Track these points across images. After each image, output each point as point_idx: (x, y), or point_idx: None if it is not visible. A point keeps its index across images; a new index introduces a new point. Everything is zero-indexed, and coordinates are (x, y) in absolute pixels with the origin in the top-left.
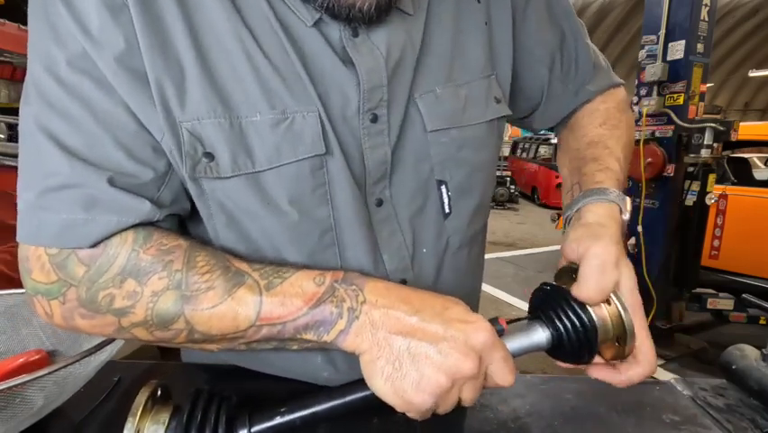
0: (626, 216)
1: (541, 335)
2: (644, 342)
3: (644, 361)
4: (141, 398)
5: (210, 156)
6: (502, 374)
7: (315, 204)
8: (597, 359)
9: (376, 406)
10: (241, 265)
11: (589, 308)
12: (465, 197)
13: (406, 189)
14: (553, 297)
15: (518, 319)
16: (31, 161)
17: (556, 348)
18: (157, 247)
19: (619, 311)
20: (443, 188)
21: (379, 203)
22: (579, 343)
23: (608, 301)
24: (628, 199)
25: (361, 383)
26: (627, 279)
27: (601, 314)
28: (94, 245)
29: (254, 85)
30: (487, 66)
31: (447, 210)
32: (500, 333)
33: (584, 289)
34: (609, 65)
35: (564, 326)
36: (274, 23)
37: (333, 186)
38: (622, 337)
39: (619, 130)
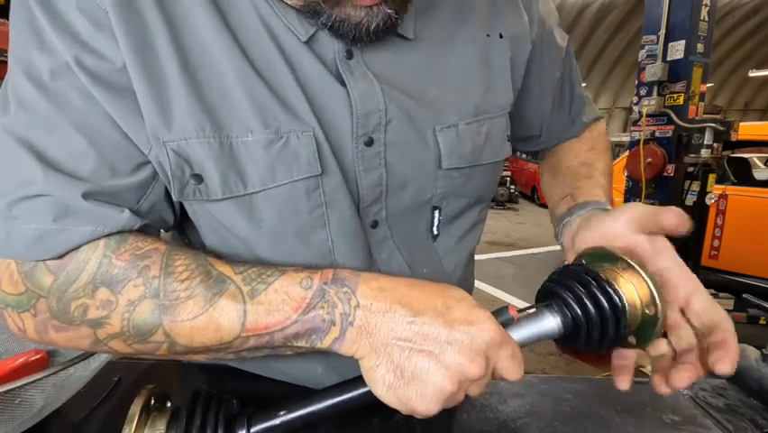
0: None
1: (551, 322)
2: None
3: (728, 347)
4: (135, 408)
5: (198, 178)
6: (511, 370)
7: (313, 227)
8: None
9: (378, 403)
10: (223, 268)
11: (616, 286)
12: (454, 222)
13: (401, 212)
14: (574, 277)
15: (530, 307)
16: (1, 169)
17: (571, 336)
18: (131, 252)
19: (648, 285)
20: (436, 213)
21: (375, 224)
22: (602, 326)
23: (633, 278)
24: None
25: (361, 380)
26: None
27: (629, 291)
28: (64, 254)
29: (246, 103)
30: (508, 102)
31: (435, 232)
32: (509, 322)
33: (671, 213)
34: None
35: (585, 308)
36: (267, 39)
37: (330, 208)
38: (651, 326)
39: (605, 155)
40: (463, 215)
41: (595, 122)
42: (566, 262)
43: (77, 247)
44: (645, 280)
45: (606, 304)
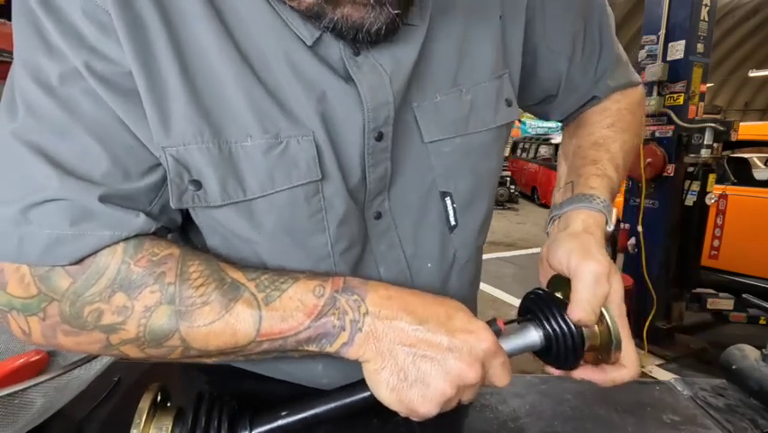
0: (610, 228)
1: (534, 335)
2: (627, 349)
3: (629, 365)
4: (144, 405)
5: (197, 184)
6: (500, 377)
7: (312, 232)
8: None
9: (377, 406)
10: (236, 275)
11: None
12: (472, 208)
13: (406, 202)
14: (546, 303)
15: (515, 320)
16: (9, 174)
17: (547, 350)
18: (148, 258)
19: (609, 328)
20: (448, 200)
21: (378, 216)
22: (566, 350)
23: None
24: (615, 210)
25: (362, 384)
26: (616, 291)
27: (591, 331)
28: (82, 259)
29: (245, 108)
30: (499, 64)
31: (453, 222)
32: (498, 333)
33: (578, 310)
34: (629, 61)
35: (555, 332)
36: (269, 44)
37: (329, 212)
38: (607, 350)
39: (627, 134)
40: (477, 200)
41: (626, 88)
42: (541, 267)
43: (95, 252)
44: (605, 318)
45: (565, 325)
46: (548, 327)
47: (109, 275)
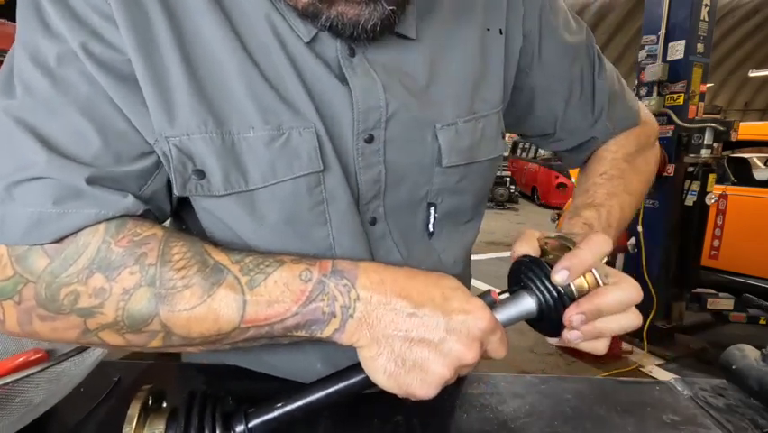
0: None
1: (530, 302)
2: (607, 269)
3: (621, 281)
4: (134, 409)
5: (200, 173)
6: (498, 351)
7: (313, 223)
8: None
9: (373, 387)
10: (219, 257)
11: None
12: (450, 219)
13: (398, 208)
14: (529, 267)
15: (508, 291)
16: (1, 152)
17: (542, 316)
18: (130, 238)
19: (594, 275)
20: (432, 210)
21: (373, 221)
22: (557, 306)
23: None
24: None
25: (357, 368)
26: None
27: (579, 282)
28: (62, 238)
29: (247, 99)
30: (501, 99)
31: (431, 229)
32: (492, 304)
33: (521, 248)
34: (625, 94)
35: (543, 294)
36: (270, 37)
37: (331, 204)
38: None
39: (620, 179)
40: (459, 212)
41: (626, 129)
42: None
43: (77, 231)
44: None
45: (548, 282)
46: (542, 291)
47: (88, 255)
